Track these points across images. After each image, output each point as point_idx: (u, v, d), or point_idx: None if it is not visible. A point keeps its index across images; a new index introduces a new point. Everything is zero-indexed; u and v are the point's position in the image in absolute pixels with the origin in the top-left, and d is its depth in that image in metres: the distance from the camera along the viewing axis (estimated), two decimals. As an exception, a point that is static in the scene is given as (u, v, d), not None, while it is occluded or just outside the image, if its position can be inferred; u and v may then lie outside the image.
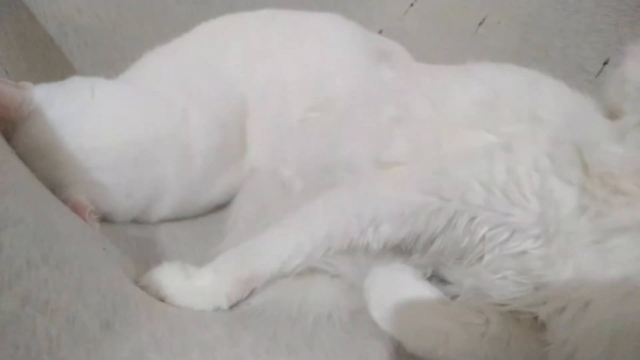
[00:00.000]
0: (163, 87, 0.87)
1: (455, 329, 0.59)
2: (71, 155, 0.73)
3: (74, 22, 1.13)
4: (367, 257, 0.67)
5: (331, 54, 0.96)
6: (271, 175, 0.88)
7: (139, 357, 0.51)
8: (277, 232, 0.68)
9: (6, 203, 0.50)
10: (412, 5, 1.23)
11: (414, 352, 0.59)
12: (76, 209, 0.68)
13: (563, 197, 0.56)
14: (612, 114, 0.58)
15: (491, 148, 0.62)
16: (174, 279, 0.64)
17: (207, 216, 0.90)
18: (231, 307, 0.64)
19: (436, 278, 0.67)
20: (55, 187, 0.71)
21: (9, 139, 0.71)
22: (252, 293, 0.66)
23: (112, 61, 1.10)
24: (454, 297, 0.64)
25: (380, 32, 1.17)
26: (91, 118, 0.76)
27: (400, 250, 0.66)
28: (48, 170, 0.71)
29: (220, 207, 0.90)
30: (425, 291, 0.63)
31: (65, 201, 0.68)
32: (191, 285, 0.64)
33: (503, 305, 0.60)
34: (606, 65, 0.91)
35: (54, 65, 1.08)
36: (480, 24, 1.13)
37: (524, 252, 0.58)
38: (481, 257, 0.62)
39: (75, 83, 0.80)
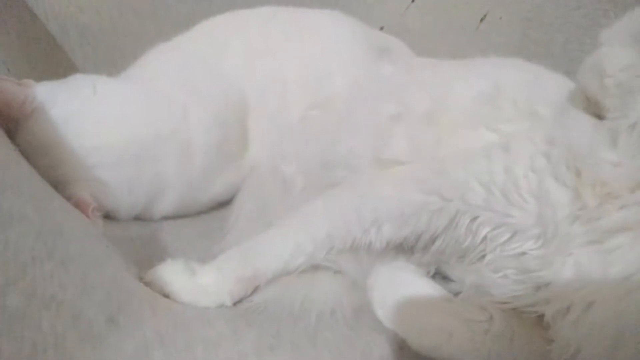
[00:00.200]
0: (164, 85, 0.87)
1: (458, 326, 0.59)
2: (73, 152, 0.74)
3: (76, 21, 1.13)
4: (370, 255, 0.67)
5: (332, 51, 0.96)
6: (272, 173, 0.88)
7: (143, 352, 0.51)
8: (278, 232, 0.68)
9: (10, 200, 0.50)
10: (413, 1, 1.23)
11: (418, 349, 0.59)
12: (79, 206, 0.69)
13: (559, 198, 0.56)
14: (590, 105, 0.57)
15: (490, 148, 0.62)
16: (177, 276, 0.64)
17: (209, 214, 0.90)
18: (235, 304, 0.64)
19: (439, 275, 0.67)
20: (58, 184, 0.71)
21: (12, 137, 0.71)
22: (255, 290, 0.66)
23: (114, 59, 1.10)
24: (456, 294, 0.64)
25: (381, 28, 1.17)
26: (93, 115, 0.77)
27: (403, 249, 0.66)
28: (51, 168, 0.72)
29: (222, 204, 0.91)
30: (429, 289, 0.63)
31: (68, 198, 0.69)
32: (195, 282, 0.64)
33: (505, 303, 0.60)
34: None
35: (56, 63, 1.09)
36: (481, 19, 1.12)
37: (523, 254, 0.58)
38: (483, 256, 0.62)
39: (77, 81, 0.80)
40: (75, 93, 0.77)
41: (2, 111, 0.72)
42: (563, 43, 1.00)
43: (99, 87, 0.79)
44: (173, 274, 0.64)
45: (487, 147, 0.62)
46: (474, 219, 0.60)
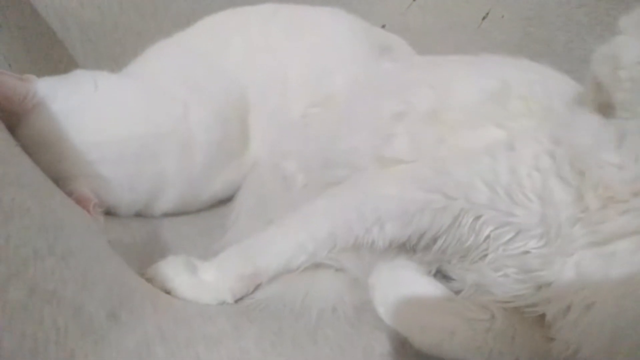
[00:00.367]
0: (165, 81, 0.87)
1: (460, 324, 0.59)
2: (74, 148, 0.74)
3: (77, 17, 1.13)
4: (372, 253, 0.66)
5: (333, 49, 0.96)
6: (273, 171, 0.88)
7: (144, 348, 0.51)
8: (279, 231, 0.68)
9: (12, 194, 0.50)
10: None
11: (420, 347, 0.59)
12: (80, 201, 0.69)
13: (563, 198, 0.55)
14: (600, 99, 0.56)
15: (494, 146, 0.62)
16: (179, 273, 0.64)
17: (210, 211, 0.90)
18: (236, 301, 0.64)
19: (439, 274, 0.67)
20: (59, 180, 0.71)
21: (13, 132, 0.71)
22: (256, 287, 0.66)
23: (115, 56, 1.10)
24: (457, 293, 0.64)
25: (382, 26, 1.17)
26: (94, 111, 0.76)
27: (405, 247, 0.66)
28: (52, 163, 0.71)
29: (223, 202, 0.91)
30: (430, 287, 0.63)
31: (69, 194, 0.69)
32: (196, 279, 0.64)
33: (506, 302, 0.60)
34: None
35: (57, 59, 1.08)
36: (483, 18, 1.12)
37: (526, 252, 0.58)
38: (484, 256, 0.61)
39: (78, 76, 0.80)
40: (76, 89, 0.77)
41: (3, 106, 0.71)
42: (565, 42, 1.00)
43: (100, 83, 0.78)
44: (174, 271, 0.64)
45: (491, 145, 0.62)
46: (478, 217, 0.60)
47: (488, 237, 0.60)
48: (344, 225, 0.65)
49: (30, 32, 1.04)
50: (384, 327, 0.62)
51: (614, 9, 0.95)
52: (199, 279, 0.64)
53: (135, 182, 0.79)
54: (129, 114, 0.80)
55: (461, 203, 0.60)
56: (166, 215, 0.85)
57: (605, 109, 0.56)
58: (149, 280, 0.63)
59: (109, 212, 0.77)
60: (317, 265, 0.67)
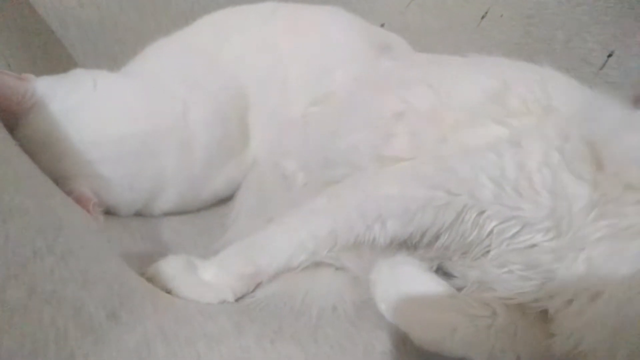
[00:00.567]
0: (164, 80, 0.86)
1: (462, 321, 0.59)
2: (74, 147, 0.73)
3: (76, 16, 1.13)
4: (372, 251, 0.66)
5: (332, 48, 0.96)
6: (273, 169, 0.88)
7: (145, 347, 0.51)
8: (280, 229, 0.68)
9: (11, 194, 0.50)
10: (413, -2, 1.23)
11: (420, 344, 0.59)
12: (80, 201, 0.68)
13: (576, 191, 0.56)
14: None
15: (498, 143, 0.62)
16: (179, 272, 0.64)
17: (210, 210, 0.90)
18: (237, 300, 0.64)
19: (440, 271, 0.67)
20: (59, 179, 0.71)
21: (12, 131, 0.71)
22: (257, 286, 0.66)
23: (114, 54, 1.10)
24: (459, 289, 0.64)
25: (382, 25, 1.17)
26: (93, 110, 0.76)
27: (406, 245, 0.66)
28: (51, 163, 0.71)
29: (223, 201, 0.90)
30: (432, 283, 0.63)
31: (68, 193, 0.68)
32: (197, 278, 0.64)
33: (509, 299, 0.60)
34: (610, 58, 0.90)
35: (56, 58, 1.08)
36: (482, 17, 1.12)
37: (533, 246, 0.58)
38: (487, 252, 0.62)
39: (77, 75, 0.80)
40: (75, 88, 0.77)
41: (1, 105, 0.71)
42: (564, 40, 1.00)
43: (99, 82, 0.78)
44: (175, 270, 0.64)
45: (495, 142, 0.63)
46: (481, 213, 0.60)
47: (491, 232, 0.60)
48: (345, 224, 0.65)
49: (29, 31, 1.04)
50: (385, 325, 0.61)
51: (613, 8, 0.95)
52: (200, 278, 0.64)
53: (135, 181, 0.79)
54: (128, 113, 0.80)
55: (464, 199, 0.60)
56: (166, 214, 0.85)
57: None
58: (149, 280, 0.63)
59: (109, 212, 0.77)
60: (317, 264, 0.67)
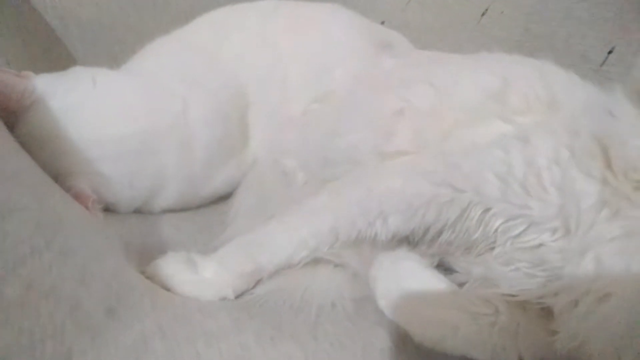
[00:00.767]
0: (164, 77, 0.86)
1: (464, 319, 0.58)
2: (73, 145, 0.73)
3: (75, 14, 1.13)
4: (373, 247, 0.66)
5: (333, 45, 0.96)
6: (273, 167, 0.88)
7: (143, 345, 0.50)
8: (280, 226, 0.68)
9: (9, 190, 0.50)
10: (414, -4, 1.22)
11: (422, 342, 0.58)
12: (79, 198, 0.68)
13: (585, 189, 0.55)
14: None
15: (505, 140, 0.61)
16: (179, 269, 0.64)
17: (210, 207, 0.90)
18: (236, 297, 0.64)
19: (442, 267, 0.67)
20: (58, 177, 0.71)
21: (11, 129, 0.71)
22: (257, 282, 0.66)
23: (113, 53, 1.10)
24: (460, 285, 0.63)
25: (382, 23, 1.17)
26: (93, 108, 0.76)
27: (407, 241, 0.66)
28: (50, 160, 0.71)
29: (223, 198, 0.90)
30: (433, 280, 0.62)
31: (67, 191, 0.68)
32: (197, 275, 0.64)
33: (512, 296, 0.59)
34: (611, 55, 0.90)
35: (55, 57, 1.08)
36: (483, 14, 1.12)
37: (539, 245, 0.57)
38: (492, 249, 0.61)
39: (77, 73, 0.80)
40: (74, 85, 0.77)
41: (1, 103, 0.71)
42: (565, 37, 0.99)
43: (98, 80, 0.78)
44: (174, 267, 0.64)
45: (501, 139, 0.62)
46: (487, 210, 0.59)
47: (497, 230, 0.59)
48: (346, 220, 0.65)
49: (29, 30, 1.04)
50: (384, 322, 0.61)
51: (613, 4, 0.95)
52: (199, 276, 0.64)
53: (134, 179, 0.79)
54: (128, 111, 0.80)
55: (470, 196, 0.60)
56: (165, 211, 0.85)
57: None
58: (149, 277, 0.63)
59: (108, 209, 0.77)
60: (317, 261, 0.67)
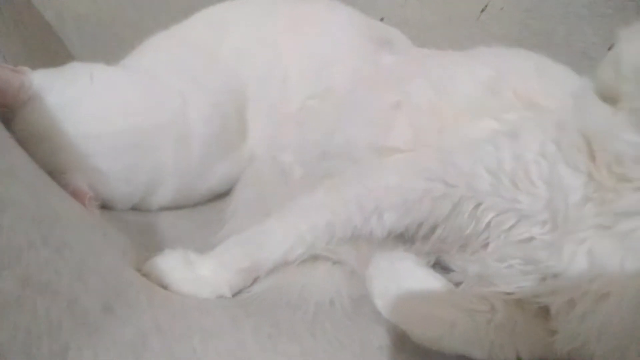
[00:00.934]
0: (162, 73, 0.86)
1: (460, 317, 0.58)
2: (70, 141, 0.73)
3: (73, 10, 1.13)
4: (370, 244, 0.66)
5: (332, 41, 0.96)
6: (271, 163, 0.88)
7: (140, 341, 0.50)
8: (278, 223, 0.68)
9: (6, 185, 0.49)
10: (413, -7, 1.22)
11: (419, 341, 0.58)
12: (76, 195, 0.68)
13: (571, 183, 0.55)
14: (607, 97, 0.58)
15: (496, 135, 0.62)
16: (176, 267, 0.64)
17: (207, 205, 0.90)
18: (233, 295, 0.64)
19: (438, 266, 0.67)
20: (55, 173, 0.70)
21: (8, 125, 0.70)
22: (254, 280, 0.65)
23: (111, 49, 1.09)
24: (457, 284, 0.63)
25: (381, 19, 1.16)
26: (90, 103, 0.76)
27: (403, 238, 0.66)
28: (47, 156, 0.71)
29: (220, 195, 0.90)
30: (429, 279, 0.63)
31: (64, 187, 0.68)
32: (193, 273, 0.64)
33: (508, 294, 0.59)
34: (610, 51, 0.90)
35: (53, 53, 1.08)
36: (482, 10, 1.12)
37: (530, 239, 0.58)
38: (486, 245, 0.61)
39: (74, 69, 0.79)
40: (71, 81, 0.76)
41: (-3, 99, 0.71)
42: (564, 34, 1.00)
43: (96, 75, 0.78)
44: (171, 265, 0.64)
45: (493, 134, 0.62)
46: (478, 204, 0.60)
47: (489, 224, 0.60)
48: (342, 216, 0.65)
49: (27, 25, 1.03)
50: (382, 320, 0.61)
51: (612, 1, 0.95)
52: (197, 273, 0.64)
53: (132, 175, 0.79)
54: (126, 106, 0.79)
55: (461, 190, 0.60)
56: (162, 209, 0.84)
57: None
58: (146, 275, 0.62)
59: (105, 206, 0.76)
60: (314, 258, 0.67)
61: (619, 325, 0.51)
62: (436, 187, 0.61)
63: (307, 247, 0.65)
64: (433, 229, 0.63)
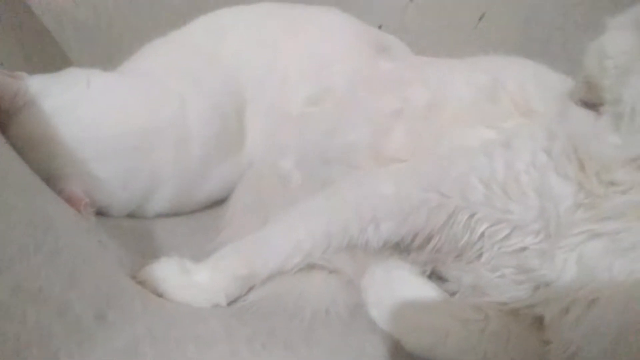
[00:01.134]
0: (161, 76, 0.86)
1: (454, 326, 0.58)
2: (67, 146, 0.72)
3: (71, 15, 1.13)
4: (366, 253, 0.66)
5: (330, 45, 0.96)
6: (269, 168, 0.88)
7: (133, 349, 0.50)
8: (275, 230, 0.67)
9: (-2, 191, 0.49)
10: (412, 0, 1.22)
11: (413, 350, 0.58)
12: (71, 201, 0.67)
13: (562, 192, 0.56)
14: (591, 85, 0.58)
15: (490, 145, 0.62)
16: (171, 275, 0.63)
17: (204, 212, 0.90)
18: (229, 303, 0.63)
19: (434, 275, 0.67)
20: (50, 178, 0.69)
21: (3, 130, 0.70)
22: (249, 289, 0.65)
23: (109, 54, 1.09)
24: (452, 294, 0.64)
25: (379, 27, 1.17)
26: (87, 109, 0.75)
27: (399, 248, 0.66)
28: (43, 162, 0.70)
29: (217, 203, 0.89)
30: (424, 288, 0.63)
31: (60, 193, 0.67)
32: (189, 281, 0.63)
33: (502, 304, 0.59)
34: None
35: (50, 57, 1.08)
36: (480, 18, 1.12)
37: (523, 249, 0.58)
38: (480, 255, 0.61)
39: (71, 74, 0.79)
40: (68, 86, 0.76)
41: (-7, 103, 0.70)
42: (562, 42, 1.00)
43: (93, 81, 0.77)
44: (167, 272, 0.63)
45: (487, 144, 0.63)
46: (472, 215, 0.60)
47: (483, 235, 0.60)
48: (339, 225, 0.65)
49: (24, 30, 1.03)
50: (377, 329, 0.61)
51: (610, 9, 0.95)
52: (192, 281, 0.63)
53: (129, 180, 0.78)
54: (122, 111, 0.79)
55: (456, 201, 0.60)
56: (159, 215, 0.84)
57: (592, 107, 0.58)
58: (141, 282, 0.62)
59: (101, 213, 0.76)
60: (310, 267, 0.67)
61: (608, 329, 0.51)
62: (432, 197, 0.61)
63: (305, 256, 0.65)
64: (428, 239, 0.63)
